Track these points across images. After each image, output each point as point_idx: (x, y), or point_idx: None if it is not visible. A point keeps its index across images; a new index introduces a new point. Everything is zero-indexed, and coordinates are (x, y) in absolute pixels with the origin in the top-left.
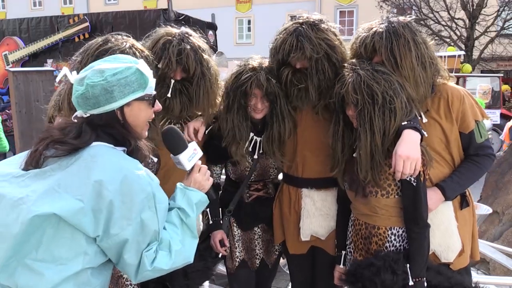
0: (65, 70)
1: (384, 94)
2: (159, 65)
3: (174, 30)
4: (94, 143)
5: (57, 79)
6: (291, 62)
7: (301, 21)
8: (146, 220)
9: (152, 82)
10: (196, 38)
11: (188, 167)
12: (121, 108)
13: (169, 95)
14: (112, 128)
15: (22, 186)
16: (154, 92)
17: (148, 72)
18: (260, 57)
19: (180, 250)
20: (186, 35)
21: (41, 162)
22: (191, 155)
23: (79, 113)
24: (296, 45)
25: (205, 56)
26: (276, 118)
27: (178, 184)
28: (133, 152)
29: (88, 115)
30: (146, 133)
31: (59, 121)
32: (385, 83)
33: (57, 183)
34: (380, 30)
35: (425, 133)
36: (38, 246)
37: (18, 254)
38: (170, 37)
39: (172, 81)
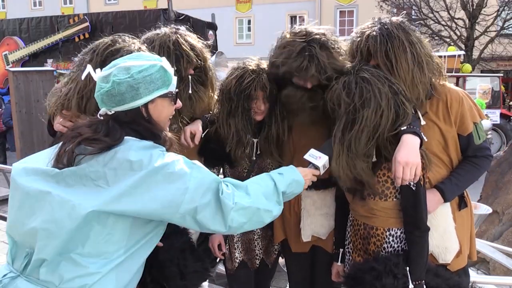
0: (89, 68)
1: (349, 106)
2: (178, 65)
3: (164, 30)
4: (125, 138)
5: (83, 76)
6: (299, 82)
7: (306, 38)
8: (198, 178)
9: (174, 79)
10: (185, 30)
11: (318, 165)
12: (146, 105)
13: (190, 91)
14: (138, 125)
15: (64, 184)
16: (176, 90)
17: (171, 70)
18: (257, 58)
19: (257, 194)
20: (178, 30)
21: (73, 159)
22: (326, 165)
23: (103, 110)
24: (309, 66)
25: (201, 42)
26: (275, 118)
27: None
28: (164, 142)
29: (112, 112)
30: (168, 129)
31: (61, 120)
32: (358, 92)
33: (104, 180)
34: (374, 33)
35: (425, 138)
36: (85, 241)
37: (65, 250)
38: (170, 37)
39: (189, 77)
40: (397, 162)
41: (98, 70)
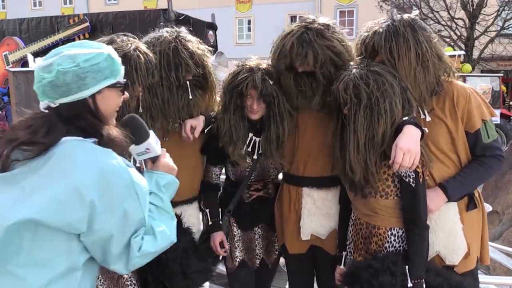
0: (29, 57)
1: (370, 95)
2: (177, 73)
3: (165, 34)
4: (63, 139)
5: (31, 66)
6: (294, 65)
7: (307, 24)
8: (129, 209)
9: (122, 68)
10: (187, 34)
11: (159, 151)
12: (93, 96)
13: (190, 96)
14: (82, 120)
15: None
16: (124, 80)
17: (118, 59)
18: (258, 57)
19: (162, 231)
20: (180, 35)
21: (8, 165)
22: (156, 140)
23: (45, 103)
24: (300, 52)
25: (202, 46)
26: (274, 119)
27: (145, 169)
28: (106, 143)
29: (56, 104)
30: (114, 122)
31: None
32: (374, 84)
33: (31, 187)
34: (380, 30)
35: (426, 129)
36: (19, 252)
37: (1, 263)
38: (170, 44)
39: (188, 82)
40: (398, 148)
41: (38, 59)
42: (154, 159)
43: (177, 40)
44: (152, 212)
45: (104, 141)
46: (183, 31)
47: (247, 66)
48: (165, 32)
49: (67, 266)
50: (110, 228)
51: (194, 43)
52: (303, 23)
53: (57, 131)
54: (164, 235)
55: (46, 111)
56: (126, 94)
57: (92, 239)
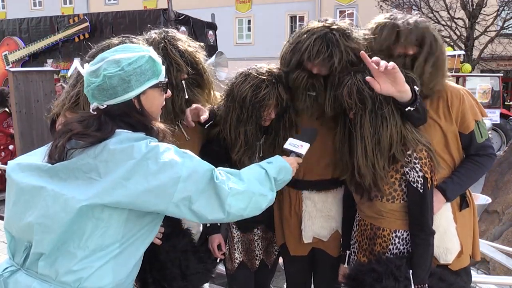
0: (76, 63)
1: (374, 100)
2: (168, 74)
3: (153, 36)
4: (117, 130)
5: (69, 73)
6: (308, 65)
7: (330, 25)
8: (190, 166)
9: (163, 69)
10: (175, 33)
11: (302, 153)
12: (138, 97)
13: (187, 96)
14: (130, 117)
15: (57, 179)
16: (166, 79)
17: (159, 59)
18: (267, 63)
19: (252, 180)
20: (169, 34)
21: (65, 154)
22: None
23: (94, 105)
24: (325, 51)
25: (193, 43)
26: (283, 126)
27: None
28: (157, 134)
29: (104, 106)
30: (159, 119)
31: (63, 119)
32: None
33: (96, 172)
34: (412, 22)
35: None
36: (81, 235)
37: (62, 244)
38: (159, 45)
39: (183, 82)
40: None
41: (86, 65)
42: (293, 155)
43: (166, 40)
44: (260, 175)
45: (155, 133)
46: (171, 30)
47: (266, 78)
48: (153, 33)
49: (120, 251)
50: (183, 192)
51: (184, 42)
52: (325, 24)
53: (108, 128)
54: (251, 182)
55: (95, 112)
56: (169, 92)
57: (174, 202)
